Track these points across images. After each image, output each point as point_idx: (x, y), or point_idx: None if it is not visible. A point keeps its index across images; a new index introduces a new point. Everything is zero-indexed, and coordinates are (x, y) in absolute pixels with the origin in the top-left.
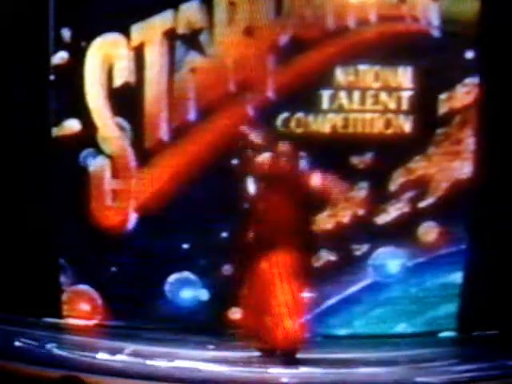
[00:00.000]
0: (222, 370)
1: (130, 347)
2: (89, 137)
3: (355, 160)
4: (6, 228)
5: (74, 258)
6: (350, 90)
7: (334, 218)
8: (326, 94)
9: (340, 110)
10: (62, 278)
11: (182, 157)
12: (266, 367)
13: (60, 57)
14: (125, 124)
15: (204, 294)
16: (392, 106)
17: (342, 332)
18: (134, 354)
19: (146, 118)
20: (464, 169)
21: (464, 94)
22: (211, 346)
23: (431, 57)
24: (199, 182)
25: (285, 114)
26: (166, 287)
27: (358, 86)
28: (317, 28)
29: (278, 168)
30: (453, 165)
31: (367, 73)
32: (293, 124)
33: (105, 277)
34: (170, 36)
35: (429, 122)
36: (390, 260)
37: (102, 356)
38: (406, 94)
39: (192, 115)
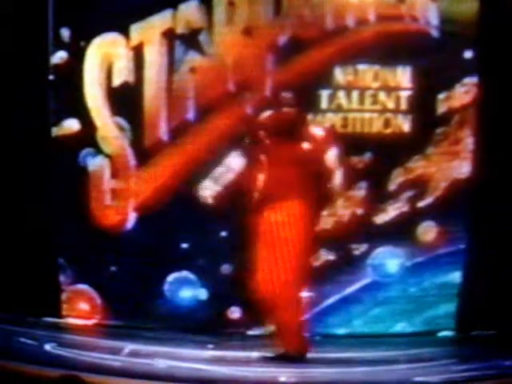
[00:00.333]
0: (222, 369)
1: (130, 347)
2: (88, 136)
3: (354, 159)
4: (6, 227)
5: (73, 258)
6: (348, 89)
7: (332, 217)
8: (324, 94)
9: (339, 109)
10: (62, 278)
11: (182, 156)
12: (265, 367)
13: (59, 56)
14: (124, 123)
15: (203, 294)
16: (391, 105)
17: (341, 331)
18: (134, 354)
19: (145, 117)
20: (463, 168)
21: (463, 93)
22: (210, 346)
23: (430, 56)
24: (198, 182)
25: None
26: (166, 287)
27: (357, 86)
28: (316, 28)
29: (284, 120)
30: (452, 164)
31: (366, 72)
32: None
33: (104, 276)
34: (169, 36)
35: (428, 121)
36: (389, 259)
37: (101, 355)
38: (404, 94)
39: (191, 115)
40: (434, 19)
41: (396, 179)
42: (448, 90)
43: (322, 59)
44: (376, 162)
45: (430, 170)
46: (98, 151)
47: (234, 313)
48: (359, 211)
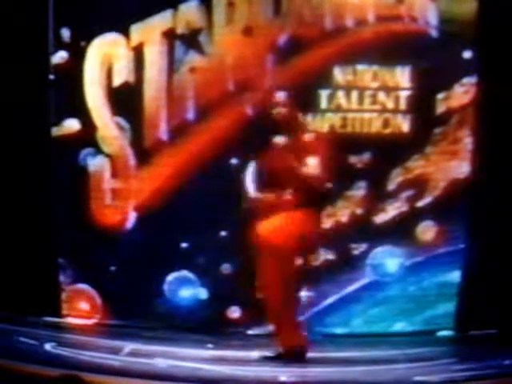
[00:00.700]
0: (222, 368)
1: (130, 346)
2: (88, 136)
3: (353, 159)
4: (6, 227)
5: (73, 257)
6: (348, 89)
7: (332, 217)
8: (324, 94)
9: (338, 109)
10: (62, 277)
11: (181, 156)
12: (265, 366)
13: (60, 56)
14: (124, 123)
15: (203, 293)
16: (390, 105)
17: (341, 331)
18: (134, 353)
19: (145, 117)
20: (462, 168)
21: (462, 93)
22: (210, 345)
23: (429, 57)
24: (198, 181)
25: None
26: (165, 286)
27: (356, 86)
28: (315, 28)
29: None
30: (451, 164)
31: (365, 72)
32: None
33: (104, 276)
34: (170, 36)
35: (427, 121)
36: (388, 259)
37: (101, 355)
38: (404, 94)
39: (191, 114)
40: (433, 19)
41: (395, 179)
42: (447, 89)
43: (322, 59)
44: (375, 162)
45: (429, 170)
46: (98, 151)
47: (234, 312)
48: (358, 211)
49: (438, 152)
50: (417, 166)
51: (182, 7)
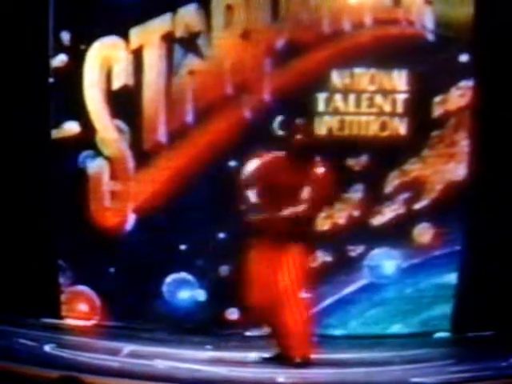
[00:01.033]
0: (220, 370)
1: (128, 347)
2: (88, 139)
3: (351, 162)
4: (6, 229)
5: (72, 259)
6: (345, 92)
7: (330, 219)
8: (321, 97)
9: (336, 112)
10: (61, 279)
11: (180, 158)
12: (263, 367)
13: (59, 60)
14: (123, 126)
15: (201, 295)
16: (387, 108)
17: (338, 332)
18: (132, 355)
19: (144, 120)
20: (458, 171)
21: (458, 96)
22: (209, 346)
23: (426, 60)
24: (197, 184)
25: (281, 117)
26: (164, 288)
27: (354, 89)
28: (313, 32)
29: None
30: (447, 167)
31: (363, 76)
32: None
33: (103, 277)
34: (169, 39)
35: (423, 124)
36: (386, 261)
37: (100, 356)
38: (401, 97)
39: (190, 117)
40: (429, 23)
41: (392, 181)
42: (444, 93)
43: (319, 63)
44: (372, 165)
45: (425, 173)
46: (98, 153)
47: (232, 314)
48: (356, 213)
49: (434, 155)
50: (414, 168)
51: (181, 11)
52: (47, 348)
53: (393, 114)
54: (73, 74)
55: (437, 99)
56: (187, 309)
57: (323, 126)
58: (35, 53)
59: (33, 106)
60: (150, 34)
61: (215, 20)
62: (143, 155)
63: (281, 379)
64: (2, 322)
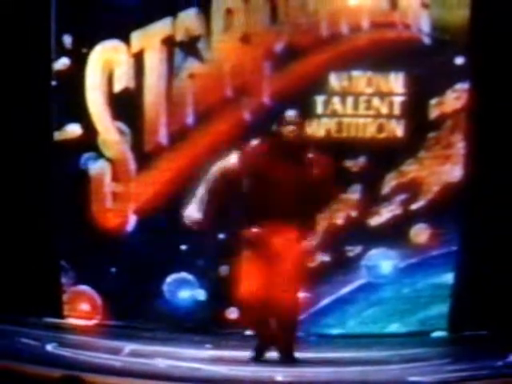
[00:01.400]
0: (220, 369)
1: (129, 346)
2: (90, 141)
3: (349, 163)
4: (9, 230)
5: (74, 259)
6: (343, 95)
7: (328, 219)
8: (320, 100)
9: (334, 114)
10: (63, 279)
11: (181, 160)
12: (262, 366)
13: (62, 63)
14: (125, 128)
15: (201, 294)
16: (384, 110)
17: (336, 331)
18: (133, 354)
19: (145, 122)
20: (454, 172)
21: (454, 99)
22: (208, 345)
23: (422, 63)
24: (197, 185)
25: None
26: (165, 287)
27: (352, 92)
28: (311, 35)
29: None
30: (443, 168)
31: (360, 79)
32: None
33: (105, 277)
34: (169, 43)
35: (420, 126)
36: (383, 261)
37: (101, 355)
38: (397, 99)
39: (190, 119)
40: (425, 27)
41: (389, 182)
42: (440, 95)
43: (317, 66)
44: (370, 166)
45: (422, 174)
46: (99, 155)
47: (232, 313)
48: (354, 214)
49: (431, 156)
50: (410, 170)
51: (182, 15)
52: (49, 347)
53: (390, 116)
54: (75, 76)
55: (433, 101)
56: (187, 308)
57: (321, 128)
58: (38, 56)
59: (35, 108)
60: (150, 38)
61: (215, 24)
62: (144, 157)
63: (279, 378)
64: (4, 321)
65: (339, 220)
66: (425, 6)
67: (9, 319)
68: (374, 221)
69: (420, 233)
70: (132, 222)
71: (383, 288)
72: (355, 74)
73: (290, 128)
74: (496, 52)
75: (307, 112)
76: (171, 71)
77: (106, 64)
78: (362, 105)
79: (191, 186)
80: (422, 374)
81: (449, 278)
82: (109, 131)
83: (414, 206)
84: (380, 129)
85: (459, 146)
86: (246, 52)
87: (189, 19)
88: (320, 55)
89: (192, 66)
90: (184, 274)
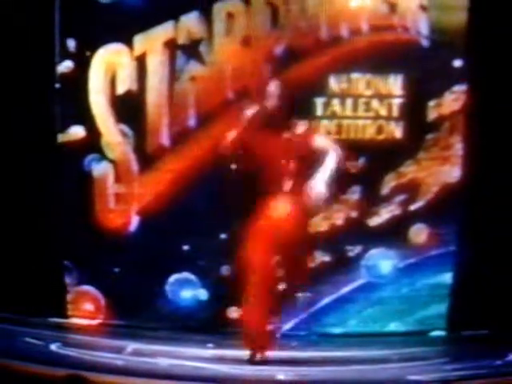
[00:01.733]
0: (221, 367)
1: (132, 346)
2: (93, 142)
3: (348, 164)
4: (13, 230)
5: (78, 260)
6: (342, 97)
7: (328, 220)
8: (319, 102)
9: (333, 116)
10: (67, 279)
11: (183, 161)
12: (264, 365)
13: (65, 66)
14: (127, 130)
15: (203, 294)
16: (383, 112)
17: (336, 330)
18: (136, 353)
19: (147, 124)
20: (453, 173)
21: (452, 100)
22: (210, 345)
23: (421, 65)
24: (199, 186)
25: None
26: (167, 287)
27: (351, 94)
28: (311, 38)
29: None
30: (442, 169)
31: (359, 81)
32: None
33: (108, 277)
34: (171, 46)
35: (419, 128)
36: (382, 261)
37: (105, 354)
38: (396, 101)
39: (192, 121)
40: (424, 29)
41: (388, 183)
42: (438, 97)
43: (317, 68)
44: (369, 167)
45: (421, 175)
46: (103, 157)
47: (234, 312)
48: (353, 214)
49: (429, 157)
50: (409, 170)
51: (183, 18)
52: (53, 347)
53: (389, 118)
54: (78, 79)
55: (431, 103)
56: (190, 308)
57: (321, 130)
58: (42, 59)
59: (39, 110)
60: (153, 41)
61: (216, 27)
62: (147, 158)
63: (281, 377)
64: (8, 321)
65: (339, 220)
66: (423, 8)
67: (13, 319)
68: (374, 221)
69: (419, 233)
70: (135, 222)
71: (383, 288)
72: (354, 76)
73: (273, 100)
74: (494, 54)
75: (307, 114)
76: (173, 74)
77: (109, 67)
78: (362, 107)
79: (193, 187)
80: (421, 373)
81: (447, 277)
82: (112, 133)
83: (412, 207)
84: (379, 130)
85: (457, 147)
86: (247, 55)
87: (190, 23)
88: (320, 58)
89: (193, 68)
90: (186, 274)
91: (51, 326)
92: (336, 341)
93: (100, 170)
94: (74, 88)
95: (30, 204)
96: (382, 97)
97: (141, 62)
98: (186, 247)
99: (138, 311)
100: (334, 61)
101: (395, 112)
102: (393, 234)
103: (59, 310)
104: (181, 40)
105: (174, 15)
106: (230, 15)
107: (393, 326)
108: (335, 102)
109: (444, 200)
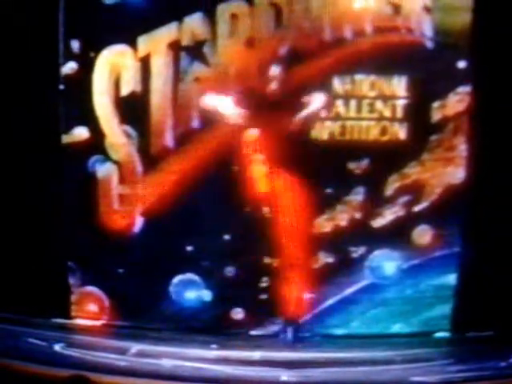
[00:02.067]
0: (225, 368)
1: (136, 347)
2: (97, 144)
3: (352, 166)
4: (17, 231)
5: (82, 261)
6: (346, 98)
7: (332, 221)
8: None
9: (337, 117)
10: (71, 280)
11: (187, 162)
12: (267, 366)
13: (69, 67)
14: (131, 131)
15: (207, 295)
16: (387, 113)
17: (340, 332)
18: (140, 354)
19: (151, 125)
20: (457, 174)
21: (456, 102)
22: (214, 346)
23: (425, 66)
24: (203, 187)
25: None
26: (171, 288)
27: (355, 95)
28: (315, 39)
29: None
30: (446, 170)
31: (363, 82)
32: None
33: (112, 278)
34: (175, 47)
35: (423, 129)
36: (386, 262)
37: (108, 355)
38: (400, 103)
39: (196, 123)
40: (428, 31)
41: (392, 184)
42: (442, 98)
43: (321, 69)
44: (373, 169)
45: (425, 176)
46: (107, 158)
47: (238, 314)
48: (357, 215)
49: (433, 159)
50: (413, 172)
51: (187, 20)
52: (57, 347)
53: (393, 119)
54: (82, 80)
55: (435, 104)
56: (193, 309)
57: (325, 131)
58: (46, 60)
59: (44, 111)
60: (157, 42)
61: (220, 28)
62: (151, 159)
63: (284, 378)
64: (12, 321)
65: (343, 222)
66: (427, 10)
67: (17, 320)
68: (378, 222)
69: (423, 234)
70: (139, 223)
71: (387, 289)
72: (358, 77)
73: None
74: (498, 55)
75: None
76: (177, 75)
77: (113, 68)
78: (365, 108)
79: (197, 188)
80: (425, 374)
81: (451, 278)
82: (116, 134)
83: (416, 208)
84: (383, 131)
85: (461, 148)
86: (251, 56)
87: (194, 24)
88: (324, 59)
89: (198, 69)
90: (190, 275)
91: (55, 326)
92: (339, 342)
93: (104, 171)
94: (78, 89)
95: (33, 205)
96: (386, 98)
97: (145, 63)
98: (189, 248)
99: (142, 312)
100: (337, 62)
101: (399, 113)
102: (397, 235)
103: (63, 311)
104: (185, 41)
105: (178, 16)
106: (233, 16)
107: (397, 327)
108: (339, 103)
109: (448, 201)
